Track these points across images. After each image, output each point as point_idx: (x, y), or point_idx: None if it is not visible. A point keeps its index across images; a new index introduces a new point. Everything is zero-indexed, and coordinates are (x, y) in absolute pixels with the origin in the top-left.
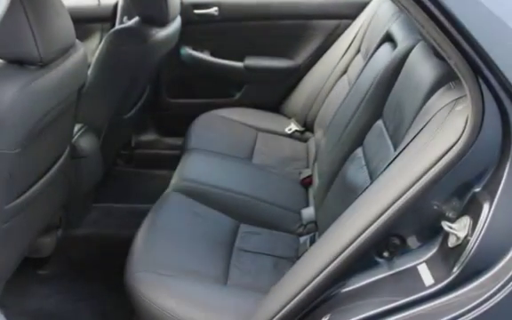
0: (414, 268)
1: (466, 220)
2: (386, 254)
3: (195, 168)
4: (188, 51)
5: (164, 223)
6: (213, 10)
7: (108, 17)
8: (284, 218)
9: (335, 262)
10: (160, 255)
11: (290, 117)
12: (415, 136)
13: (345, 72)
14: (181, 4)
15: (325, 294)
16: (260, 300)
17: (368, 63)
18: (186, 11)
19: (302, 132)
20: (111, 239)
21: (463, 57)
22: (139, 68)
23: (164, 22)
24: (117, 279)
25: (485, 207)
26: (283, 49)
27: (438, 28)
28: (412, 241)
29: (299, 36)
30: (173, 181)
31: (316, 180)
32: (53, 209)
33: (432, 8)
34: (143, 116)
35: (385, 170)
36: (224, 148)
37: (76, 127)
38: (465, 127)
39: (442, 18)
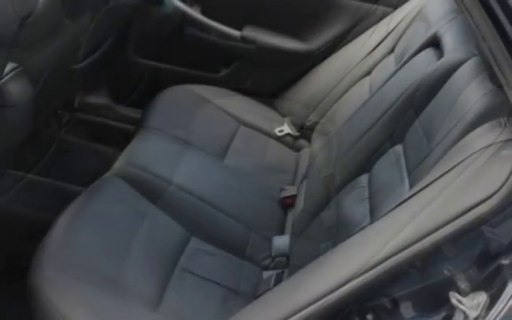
0: None
1: (481, 297)
2: (370, 318)
3: (149, 153)
4: (173, 0)
5: (96, 215)
6: None
7: None
8: (250, 242)
9: (302, 314)
10: (81, 255)
11: (284, 115)
12: (441, 176)
13: (368, 73)
14: None
15: None
16: None
17: (402, 68)
18: None
19: (296, 138)
20: (22, 220)
21: None
22: (106, 6)
23: None
24: (19, 273)
25: (510, 286)
26: (295, 26)
27: (504, 44)
28: (407, 308)
29: (319, 15)
30: (118, 164)
31: (300, 203)
32: None
33: (502, 17)
34: (97, 71)
35: (392, 210)
36: (192, 135)
37: (8, 67)
38: (507, 179)
39: None
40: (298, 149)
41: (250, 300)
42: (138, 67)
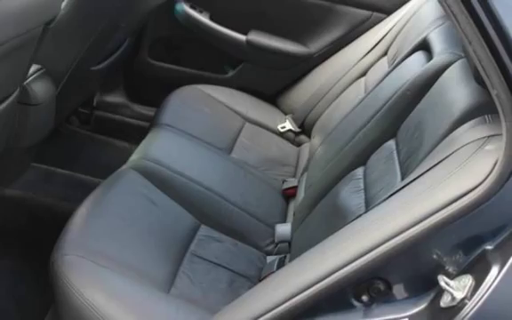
0: None
1: (467, 280)
2: (365, 298)
3: (162, 147)
4: (184, 7)
5: (113, 204)
6: None
7: None
8: (254, 229)
9: (303, 295)
10: (99, 241)
11: (286, 113)
12: (430, 168)
13: (363, 74)
14: None
15: None
16: None
17: (394, 70)
18: None
19: (297, 134)
20: (45, 209)
21: (509, 89)
22: (123, 13)
23: None
24: (42, 258)
25: (494, 270)
26: (297, 31)
27: (488, 47)
28: (399, 290)
29: (319, 20)
30: (134, 157)
31: (300, 194)
32: None
33: (486, 22)
34: (114, 73)
35: (385, 200)
36: (202, 131)
37: (33, 68)
38: (491, 171)
39: (495, 36)
40: (299, 144)
41: (255, 282)
42: (152, 68)
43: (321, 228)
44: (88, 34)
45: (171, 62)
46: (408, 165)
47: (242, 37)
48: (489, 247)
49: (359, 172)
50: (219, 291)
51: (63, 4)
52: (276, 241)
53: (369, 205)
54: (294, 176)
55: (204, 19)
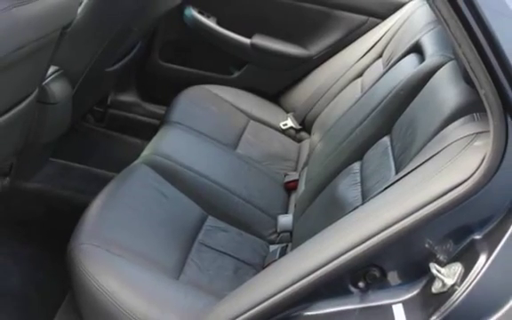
0: (389, 307)
1: (457, 267)
2: (361, 284)
3: (171, 143)
4: (192, 13)
5: (126, 197)
6: None
7: None
8: (258, 220)
9: (303, 281)
10: (113, 231)
11: (288, 111)
12: (422, 163)
13: (360, 75)
14: None
15: (285, 313)
16: (211, 305)
17: (388, 71)
18: None
19: (298, 131)
20: (63, 201)
21: (496, 89)
22: (136, 18)
23: None
24: (60, 247)
25: (482, 258)
26: (297, 35)
27: (476, 50)
28: (393, 276)
29: (318, 25)
30: (145, 153)
31: (301, 187)
32: (5, 154)
33: (475, 27)
34: (127, 73)
35: (381, 192)
36: (209, 128)
37: (51, 69)
38: (479, 166)
39: (483, 40)
40: (299, 140)
41: (258, 269)
42: (162, 69)
43: (320, 218)
44: (103, 37)
45: (180, 64)
46: (402, 160)
47: (246, 41)
48: (477, 237)
49: (356, 166)
50: (225, 277)
51: (79, 9)
52: (278, 231)
53: (365, 198)
54: (295, 170)
55: (211, 23)
